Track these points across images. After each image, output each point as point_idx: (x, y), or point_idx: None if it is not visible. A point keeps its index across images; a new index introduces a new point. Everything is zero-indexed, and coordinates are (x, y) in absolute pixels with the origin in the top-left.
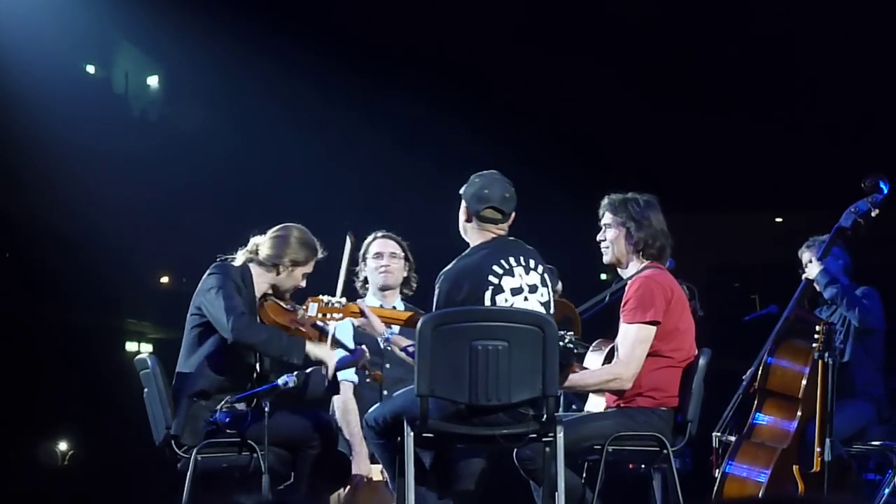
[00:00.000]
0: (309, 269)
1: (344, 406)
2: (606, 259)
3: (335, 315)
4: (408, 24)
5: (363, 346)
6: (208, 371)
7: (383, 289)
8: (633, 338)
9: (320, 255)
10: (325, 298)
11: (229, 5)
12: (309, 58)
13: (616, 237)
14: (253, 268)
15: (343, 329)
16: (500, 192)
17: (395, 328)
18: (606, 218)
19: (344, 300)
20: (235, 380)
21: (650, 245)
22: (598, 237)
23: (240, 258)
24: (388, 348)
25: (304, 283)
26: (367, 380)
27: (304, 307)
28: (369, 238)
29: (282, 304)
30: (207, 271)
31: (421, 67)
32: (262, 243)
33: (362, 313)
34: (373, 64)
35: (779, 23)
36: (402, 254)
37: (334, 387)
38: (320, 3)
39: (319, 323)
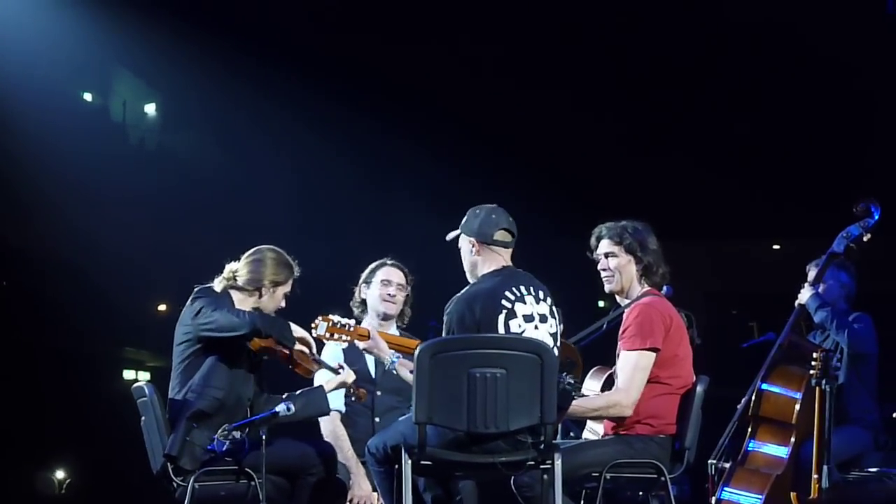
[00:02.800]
0: (289, 288)
1: (333, 433)
2: (609, 288)
3: (344, 336)
4: (392, 60)
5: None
6: (205, 393)
7: (383, 317)
8: (633, 365)
9: (296, 272)
10: (335, 319)
11: (225, 34)
12: (301, 91)
13: (622, 265)
14: (233, 294)
15: (331, 353)
16: (505, 216)
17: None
18: (607, 247)
19: (353, 322)
20: (232, 399)
21: (655, 271)
22: (600, 266)
23: (218, 286)
24: (395, 372)
25: (284, 304)
26: (352, 398)
27: (314, 325)
28: (375, 264)
29: None
30: (190, 299)
31: (403, 102)
32: (238, 269)
33: (370, 337)
34: (359, 97)
35: (766, 48)
36: (408, 286)
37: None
38: (310, 38)
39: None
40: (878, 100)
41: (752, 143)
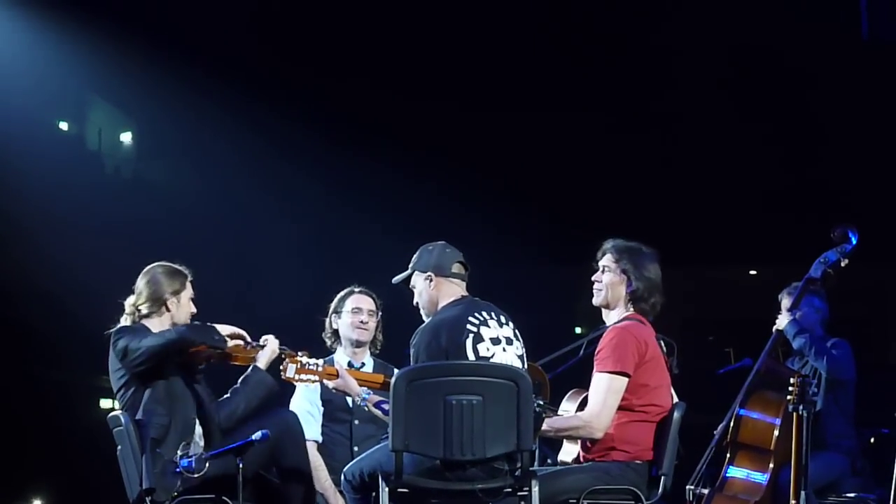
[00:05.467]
0: (190, 291)
1: (311, 463)
2: (597, 301)
3: (312, 377)
4: (364, 89)
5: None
6: (152, 422)
7: (356, 343)
8: (604, 387)
9: (188, 275)
10: (304, 360)
11: (200, 63)
12: (278, 120)
13: (612, 282)
14: (146, 322)
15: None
16: (456, 251)
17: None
18: (606, 260)
19: (321, 361)
20: (179, 420)
21: (645, 298)
22: (594, 277)
23: (127, 322)
24: (365, 408)
25: (195, 309)
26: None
27: (283, 368)
28: (343, 292)
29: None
30: (111, 343)
31: (378, 131)
32: (136, 296)
33: (338, 375)
34: (334, 125)
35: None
36: (378, 312)
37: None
38: (286, 68)
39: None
40: (855, 125)
41: (728, 168)
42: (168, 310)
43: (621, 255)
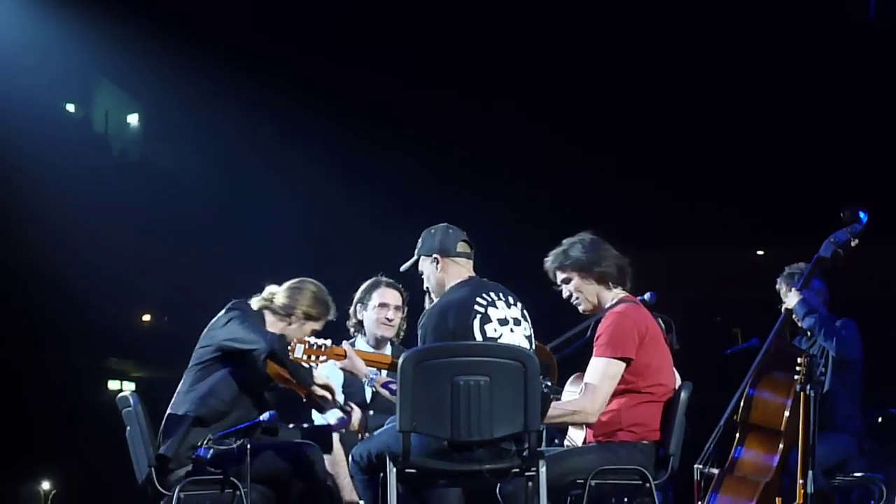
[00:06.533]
0: (319, 326)
1: (332, 458)
2: (583, 309)
3: (320, 357)
4: (373, 74)
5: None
6: (207, 402)
7: (380, 340)
8: (601, 373)
9: (332, 316)
10: (311, 340)
11: (207, 44)
12: (286, 102)
13: (578, 285)
14: (267, 315)
15: (332, 375)
16: (458, 230)
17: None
18: (558, 275)
19: (329, 342)
20: (233, 417)
21: (616, 275)
22: (565, 295)
23: (255, 304)
24: (373, 388)
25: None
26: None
27: (291, 348)
28: (369, 283)
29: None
30: (225, 309)
31: (387, 114)
32: (277, 292)
33: (346, 356)
34: (343, 108)
35: (755, 51)
36: (404, 306)
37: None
38: (295, 49)
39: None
40: (862, 105)
41: (736, 148)
42: (290, 323)
43: (564, 260)
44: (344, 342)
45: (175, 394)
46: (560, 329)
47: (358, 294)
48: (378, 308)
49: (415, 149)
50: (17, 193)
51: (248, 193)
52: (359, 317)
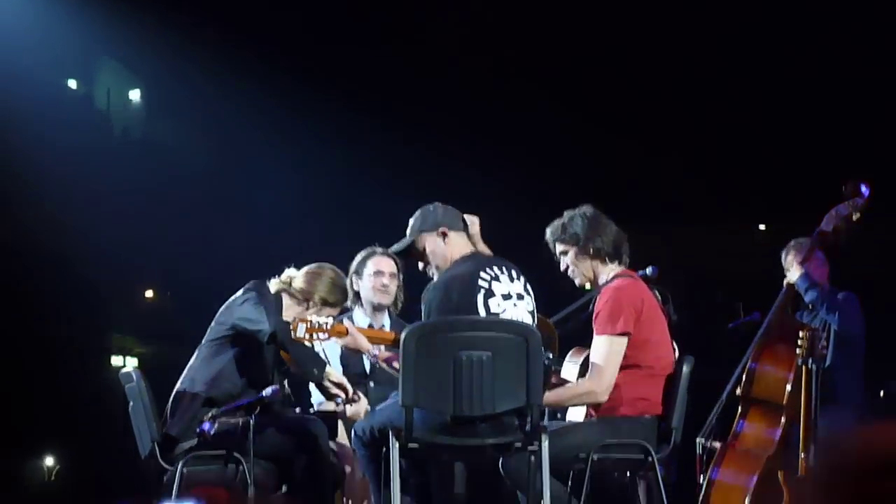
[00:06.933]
0: (335, 312)
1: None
2: (578, 282)
3: (322, 335)
4: (378, 50)
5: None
6: (224, 384)
7: (377, 307)
8: (604, 350)
9: (349, 302)
10: (313, 319)
11: (210, 22)
12: (289, 80)
13: (574, 258)
14: (285, 298)
15: (329, 351)
16: (454, 208)
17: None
18: (557, 247)
19: (330, 320)
20: (246, 396)
21: (612, 252)
22: (562, 267)
23: (273, 287)
24: (377, 364)
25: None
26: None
27: (293, 327)
28: (364, 253)
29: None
30: (244, 288)
31: (391, 91)
32: (296, 276)
33: (348, 333)
34: (347, 86)
35: (760, 29)
36: (399, 273)
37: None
38: (298, 26)
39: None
40: (863, 78)
41: (738, 123)
42: (307, 308)
43: (562, 232)
44: (345, 319)
45: (187, 368)
46: (565, 300)
47: (353, 265)
48: (373, 276)
49: (427, 125)
50: (18, 171)
51: (250, 169)
52: (355, 288)
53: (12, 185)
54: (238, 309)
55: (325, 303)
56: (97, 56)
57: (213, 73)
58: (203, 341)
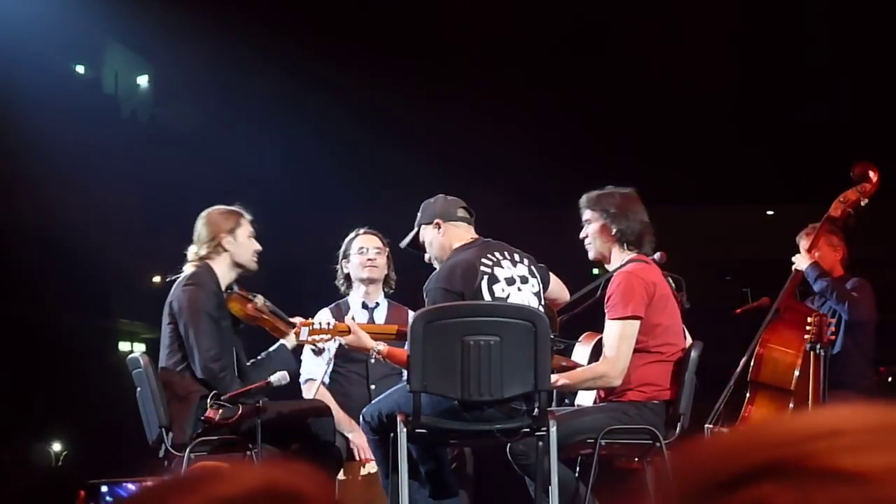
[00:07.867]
0: (249, 229)
1: (343, 417)
2: (591, 255)
3: (324, 336)
4: (400, 23)
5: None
6: (205, 367)
7: (368, 282)
8: (617, 334)
9: (247, 215)
10: (316, 322)
11: (218, 6)
12: (298, 64)
13: (596, 231)
14: (212, 264)
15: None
16: (457, 199)
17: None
18: (585, 214)
19: (333, 321)
20: (230, 371)
21: (635, 240)
22: (581, 234)
23: (191, 268)
24: (383, 361)
25: (259, 246)
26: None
27: (297, 331)
28: (350, 235)
29: (244, 294)
30: (182, 283)
31: (412, 67)
32: (195, 244)
33: (350, 331)
34: (361, 64)
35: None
36: (386, 249)
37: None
38: (304, 9)
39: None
40: (874, 62)
41: (746, 106)
42: (225, 249)
43: (595, 203)
44: (346, 318)
45: (161, 356)
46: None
47: (341, 249)
48: (358, 253)
49: (445, 100)
50: (25, 156)
51: (260, 152)
52: (345, 270)
53: (17, 168)
54: (183, 319)
55: (231, 231)
56: (105, 41)
57: (223, 56)
58: (163, 326)
